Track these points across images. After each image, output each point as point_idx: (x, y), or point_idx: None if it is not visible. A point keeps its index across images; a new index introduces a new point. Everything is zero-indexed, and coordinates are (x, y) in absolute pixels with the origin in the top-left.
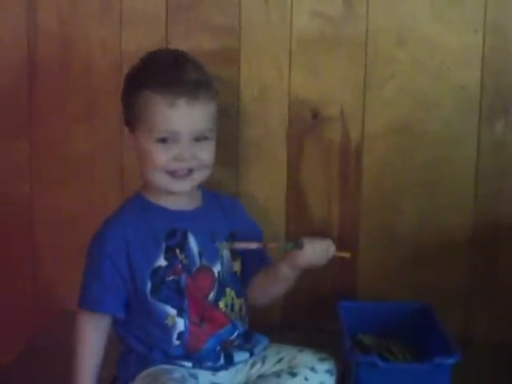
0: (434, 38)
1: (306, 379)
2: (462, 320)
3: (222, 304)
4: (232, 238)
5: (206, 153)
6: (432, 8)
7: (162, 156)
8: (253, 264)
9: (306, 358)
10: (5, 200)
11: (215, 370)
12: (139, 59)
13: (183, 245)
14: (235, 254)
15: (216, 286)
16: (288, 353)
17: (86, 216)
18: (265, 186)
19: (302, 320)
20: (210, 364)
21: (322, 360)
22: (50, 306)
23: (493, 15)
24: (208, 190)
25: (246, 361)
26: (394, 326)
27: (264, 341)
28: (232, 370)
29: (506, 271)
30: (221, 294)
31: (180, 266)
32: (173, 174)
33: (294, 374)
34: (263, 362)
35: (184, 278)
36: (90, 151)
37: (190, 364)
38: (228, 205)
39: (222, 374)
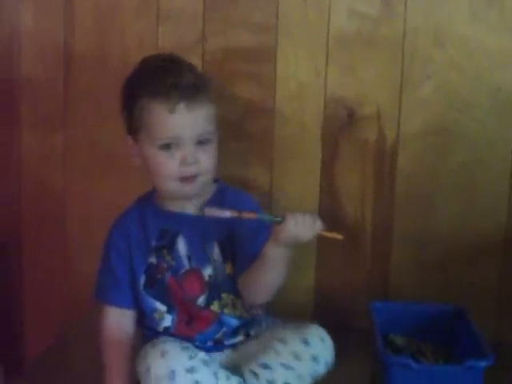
0: (471, 39)
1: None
2: (494, 323)
3: (214, 306)
4: (228, 241)
5: (208, 157)
6: (470, 9)
7: (169, 164)
8: (244, 260)
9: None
10: (38, 194)
11: (206, 350)
12: (134, 67)
13: (171, 246)
14: (226, 254)
15: (207, 290)
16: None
17: (119, 211)
18: (298, 185)
19: (334, 319)
20: (198, 344)
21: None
22: (81, 302)
23: None
24: (223, 185)
25: (241, 342)
26: (426, 328)
27: (267, 321)
28: (227, 351)
29: None
30: (213, 298)
31: (165, 265)
32: (182, 179)
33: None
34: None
35: (167, 277)
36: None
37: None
38: (229, 207)
39: (216, 355)
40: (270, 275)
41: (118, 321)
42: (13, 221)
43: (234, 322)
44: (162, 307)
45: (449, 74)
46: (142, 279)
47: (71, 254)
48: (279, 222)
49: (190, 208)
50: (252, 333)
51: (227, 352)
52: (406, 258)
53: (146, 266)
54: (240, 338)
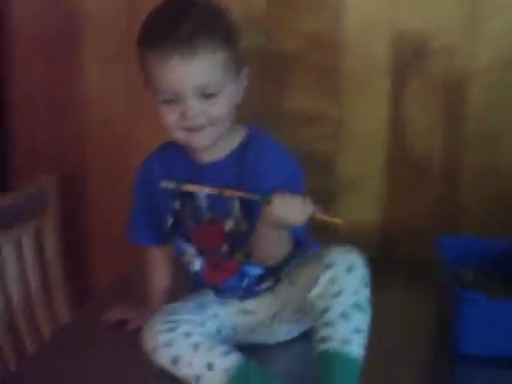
0: None
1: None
2: None
3: (239, 255)
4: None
5: (217, 108)
6: None
7: (168, 116)
8: (252, 225)
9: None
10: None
11: (239, 298)
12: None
13: (192, 196)
14: (245, 212)
15: (228, 240)
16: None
17: None
18: (366, 119)
19: (400, 253)
20: (229, 294)
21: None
22: None
23: None
24: (254, 132)
25: (272, 287)
26: (497, 263)
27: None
28: (266, 295)
29: None
30: (236, 247)
31: (187, 212)
32: (187, 130)
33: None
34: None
35: (189, 225)
36: None
37: (211, 292)
38: (250, 162)
39: (251, 302)
40: (266, 248)
41: (155, 256)
42: (78, 153)
43: (257, 271)
44: (191, 250)
45: None
46: (170, 221)
47: None
48: (266, 203)
49: (215, 154)
50: (282, 276)
51: (265, 296)
52: (475, 192)
53: (171, 210)
54: (268, 283)
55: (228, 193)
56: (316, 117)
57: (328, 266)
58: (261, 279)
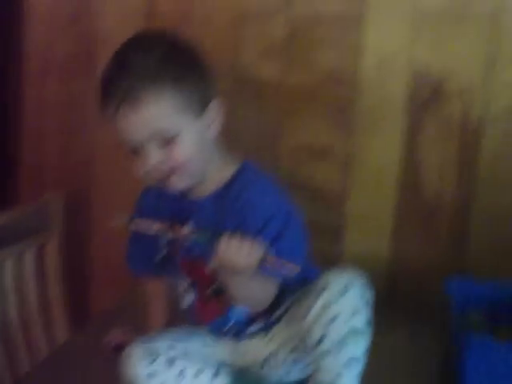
0: None
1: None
2: None
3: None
4: None
5: (177, 153)
6: None
7: (136, 167)
8: None
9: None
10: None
11: (231, 339)
12: None
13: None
14: None
15: (216, 281)
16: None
17: None
18: (378, 157)
19: (408, 292)
20: (221, 334)
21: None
22: None
23: None
24: (244, 166)
25: (262, 329)
26: (505, 307)
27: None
28: (256, 340)
29: None
30: (223, 288)
31: (177, 246)
32: (158, 179)
33: None
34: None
35: (179, 258)
36: None
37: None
38: (231, 200)
39: (243, 344)
40: (236, 294)
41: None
42: (86, 174)
43: (244, 314)
44: (182, 283)
45: None
46: (161, 254)
47: None
48: (210, 243)
49: (206, 193)
50: (275, 318)
51: (258, 339)
52: (483, 236)
53: (163, 243)
54: (259, 325)
55: (175, 232)
56: (328, 151)
57: (321, 291)
58: (250, 322)
